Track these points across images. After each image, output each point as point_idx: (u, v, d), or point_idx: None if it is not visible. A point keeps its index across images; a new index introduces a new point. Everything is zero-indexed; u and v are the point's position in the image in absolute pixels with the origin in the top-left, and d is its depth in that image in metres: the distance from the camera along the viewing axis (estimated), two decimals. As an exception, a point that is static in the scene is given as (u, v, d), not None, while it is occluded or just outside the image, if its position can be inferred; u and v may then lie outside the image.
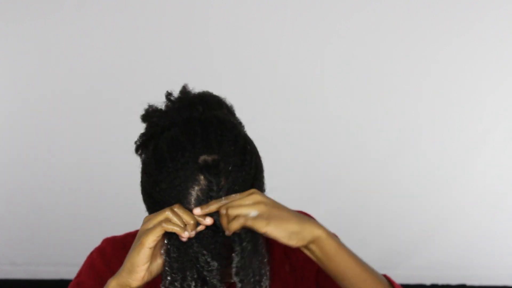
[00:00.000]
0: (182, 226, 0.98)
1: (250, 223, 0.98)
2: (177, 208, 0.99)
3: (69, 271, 2.89)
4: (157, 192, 1.03)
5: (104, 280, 1.13)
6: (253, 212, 1.00)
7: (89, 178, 2.82)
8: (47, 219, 2.86)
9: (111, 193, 2.79)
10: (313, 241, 1.04)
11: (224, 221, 1.00)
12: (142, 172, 1.09)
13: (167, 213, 0.99)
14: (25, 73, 2.76)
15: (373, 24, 2.69)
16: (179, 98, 1.13)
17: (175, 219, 0.98)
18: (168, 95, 1.14)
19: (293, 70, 2.73)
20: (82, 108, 2.76)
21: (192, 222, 0.99)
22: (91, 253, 1.23)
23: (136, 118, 1.15)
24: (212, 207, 1.00)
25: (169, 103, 1.13)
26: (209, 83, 3.05)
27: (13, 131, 2.81)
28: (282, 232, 1.01)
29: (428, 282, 2.90)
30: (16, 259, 2.93)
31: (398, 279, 3.17)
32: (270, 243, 1.19)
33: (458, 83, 2.74)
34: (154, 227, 0.99)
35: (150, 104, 1.13)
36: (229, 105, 1.17)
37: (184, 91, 1.15)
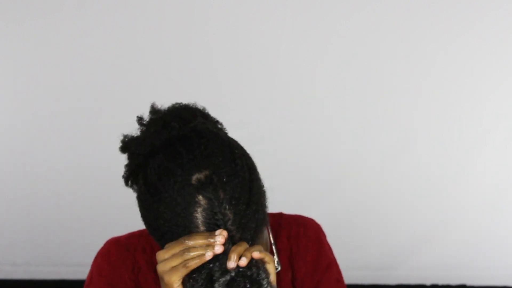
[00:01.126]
0: (203, 254, 0.98)
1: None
2: (188, 240, 0.99)
3: (69, 271, 2.91)
4: (163, 225, 1.02)
5: (115, 285, 1.14)
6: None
7: (89, 179, 2.82)
8: (47, 220, 2.86)
9: (111, 194, 2.78)
10: None
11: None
12: (140, 207, 1.08)
13: (182, 250, 0.98)
14: (25, 73, 2.76)
15: (373, 24, 2.69)
16: (151, 120, 1.10)
17: (193, 254, 0.98)
18: (140, 120, 1.11)
19: (293, 70, 2.73)
20: (82, 108, 2.76)
21: (209, 241, 0.98)
22: (96, 258, 1.22)
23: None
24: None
25: (143, 128, 1.10)
26: (209, 83, 3.07)
27: (13, 132, 2.81)
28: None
29: (428, 282, 2.90)
30: (16, 259, 2.93)
31: (398, 279, 3.19)
32: (278, 248, 1.19)
33: (458, 83, 2.74)
34: (177, 268, 0.98)
35: (125, 134, 1.11)
36: (201, 108, 1.13)
37: (154, 111, 1.11)
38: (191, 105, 1.13)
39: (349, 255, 2.86)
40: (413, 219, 2.85)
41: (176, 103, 1.12)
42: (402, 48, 2.71)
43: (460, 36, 2.69)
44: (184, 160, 1.02)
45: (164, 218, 1.02)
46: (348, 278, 3.18)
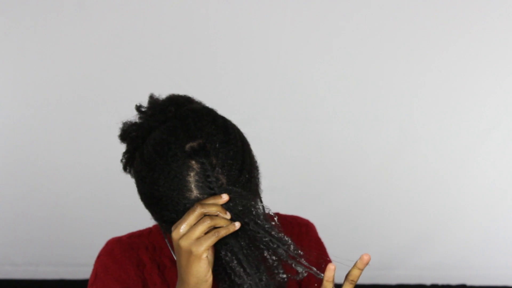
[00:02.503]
0: (228, 222, 0.99)
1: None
2: (202, 207, 0.99)
3: (69, 271, 2.91)
4: (157, 191, 1.04)
5: (124, 282, 1.14)
6: None
7: (89, 178, 2.82)
8: (47, 220, 2.86)
9: (111, 194, 2.79)
10: None
11: None
12: (137, 181, 1.09)
13: (197, 212, 0.98)
14: (25, 73, 2.75)
15: (373, 24, 2.69)
16: (149, 107, 1.14)
17: (220, 222, 0.98)
18: (138, 107, 1.15)
19: (293, 70, 2.73)
20: (83, 108, 2.76)
21: (221, 207, 0.99)
22: (99, 257, 1.23)
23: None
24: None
25: (141, 115, 1.14)
26: (209, 83, 3.07)
27: (13, 132, 2.81)
28: None
29: (428, 282, 2.90)
30: (16, 259, 2.93)
31: (398, 279, 3.19)
32: None
33: (458, 83, 2.74)
34: (206, 237, 0.97)
35: (124, 121, 1.14)
36: (198, 101, 1.17)
37: (152, 100, 1.15)
38: (189, 96, 1.16)
39: (349, 255, 2.85)
40: (413, 219, 2.85)
41: (174, 93, 1.15)
42: (403, 48, 2.71)
43: (460, 36, 2.69)
44: (179, 132, 1.05)
45: (158, 184, 1.03)
46: (348, 278, 3.15)
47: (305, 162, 2.82)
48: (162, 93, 1.16)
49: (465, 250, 2.87)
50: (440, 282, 2.90)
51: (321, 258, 1.20)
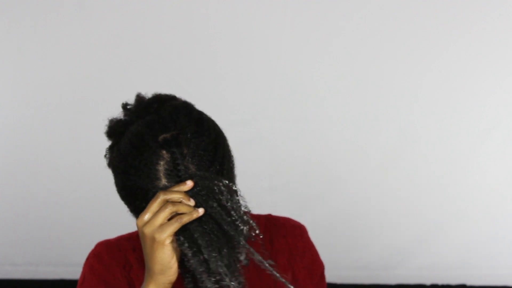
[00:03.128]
0: (191, 209, 0.99)
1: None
2: (164, 194, 1.00)
3: (69, 271, 2.91)
4: (128, 180, 1.06)
5: (109, 283, 1.14)
6: None
7: (89, 178, 2.81)
8: (47, 219, 2.86)
9: (111, 194, 2.78)
10: None
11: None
12: (113, 174, 1.11)
13: (160, 199, 0.99)
14: (25, 73, 2.76)
15: (373, 24, 2.69)
16: (135, 105, 1.15)
17: (182, 208, 0.99)
18: (125, 105, 1.16)
19: (293, 70, 2.73)
20: (83, 108, 2.76)
21: (184, 193, 1.00)
22: (88, 259, 1.23)
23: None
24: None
25: (126, 112, 1.15)
26: (209, 83, 3.07)
27: (13, 131, 2.81)
28: None
29: (428, 282, 2.90)
30: (16, 259, 2.93)
31: (398, 279, 3.19)
32: (276, 248, 1.19)
33: (458, 83, 2.74)
34: (169, 223, 0.99)
35: (110, 118, 1.15)
36: (183, 100, 1.16)
37: (139, 98, 1.16)
38: (175, 96, 1.16)
39: (349, 255, 2.86)
40: (413, 219, 2.85)
41: (162, 93, 1.15)
42: (403, 48, 2.71)
43: (460, 36, 2.69)
44: (154, 124, 1.06)
45: (130, 173, 1.05)
46: (348, 278, 3.19)
47: (305, 162, 2.81)
48: (158, 93, 1.16)
49: (465, 250, 2.87)
50: (440, 282, 2.90)
51: (313, 263, 1.20)
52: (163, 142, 1.03)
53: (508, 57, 2.71)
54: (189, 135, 1.04)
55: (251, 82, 2.74)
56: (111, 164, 1.12)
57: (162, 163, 1.03)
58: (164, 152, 1.03)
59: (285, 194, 2.78)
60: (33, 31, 2.69)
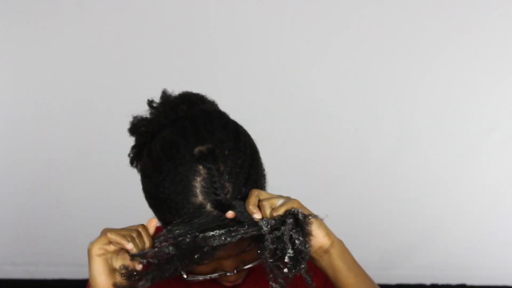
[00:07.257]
0: (127, 240, 0.97)
1: (297, 210, 1.00)
2: (141, 229, 1.00)
3: (69, 271, 2.91)
4: (162, 192, 1.03)
5: None
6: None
7: (89, 178, 2.82)
8: (47, 219, 2.86)
9: (111, 194, 2.79)
10: (334, 245, 1.04)
11: (266, 210, 1.00)
12: (142, 178, 1.09)
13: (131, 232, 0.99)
14: (25, 73, 2.76)
15: (374, 24, 2.69)
16: (161, 103, 1.14)
17: (121, 233, 0.98)
18: (150, 102, 1.14)
19: (293, 70, 2.73)
20: (83, 108, 2.76)
21: (148, 244, 0.99)
22: None
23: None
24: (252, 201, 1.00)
25: (153, 110, 1.13)
26: (209, 83, 3.06)
27: (13, 131, 2.81)
28: (322, 225, 1.02)
29: (428, 282, 2.90)
30: (16, 259, 2.93)
31: (398, 279, 3.18)
32: None
33: (458, 83, 2.74)
34: (100, 236, 0.99)
35: (135, 115, 1.14)
36: (211, 100, 1.17)
37: (165, 95, 1.15)
38: (202, 94, 1.16)
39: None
40: (413, 219, 2.85)
41: (187, 91, 1.16)
42: (403, 47, 2.71)
43: (460, 36, 2.69)
44: (188, 134, 1.04)
45: (164, 186, 1.02)
46: (348, 278, 3.13)
47: (305, 162, 2.82)
48: (175, 90, 1.16)
49: (465, 250, 2.87)
50: (440, 282, 2.90)
51: None
52: (199, 155, 1.01)
53: (508, 57, 2.71)
54: (226, 152, 1.02)
55: (251, 82, 2.74)
56: (140, 169, 1.10)
57: (198, 179, 1.01)
58: (201, 167, 1.01)
59: (285, 194, 2.78)
60: (33, 31, 2.69)
